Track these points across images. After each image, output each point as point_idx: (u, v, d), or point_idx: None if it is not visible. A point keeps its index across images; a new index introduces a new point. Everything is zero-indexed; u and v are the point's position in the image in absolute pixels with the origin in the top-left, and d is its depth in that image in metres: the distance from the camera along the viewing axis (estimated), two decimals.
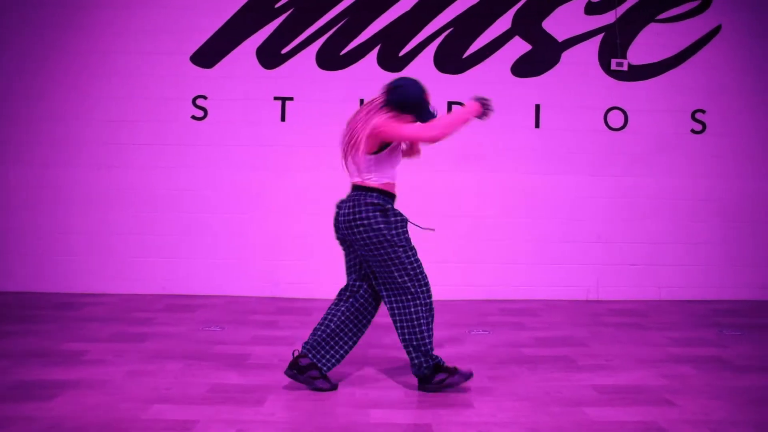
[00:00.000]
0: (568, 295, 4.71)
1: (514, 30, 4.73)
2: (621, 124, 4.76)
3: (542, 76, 4.74)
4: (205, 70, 4.66)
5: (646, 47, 4.76)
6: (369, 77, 4.68)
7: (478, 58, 4.74)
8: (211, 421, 2.17)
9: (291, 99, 4.69)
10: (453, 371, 2.51)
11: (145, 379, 2.63)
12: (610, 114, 4.75)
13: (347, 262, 2.70)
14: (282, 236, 4.68)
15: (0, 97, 4.60)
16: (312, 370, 2.51)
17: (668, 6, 4.79)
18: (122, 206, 4.62)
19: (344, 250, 2.69)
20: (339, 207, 2.64)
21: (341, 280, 4.83)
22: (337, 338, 2.56)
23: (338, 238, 2.67)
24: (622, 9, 4.75)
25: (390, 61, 4.71)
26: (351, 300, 2.63)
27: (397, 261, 2.45)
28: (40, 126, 4.61)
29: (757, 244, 4.81)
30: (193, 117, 4.65)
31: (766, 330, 3.80)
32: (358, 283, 2.65)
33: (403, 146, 2.69)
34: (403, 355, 3.07)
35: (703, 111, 4.77)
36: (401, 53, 4.73)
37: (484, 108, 2.55)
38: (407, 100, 2.53)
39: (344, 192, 4.86)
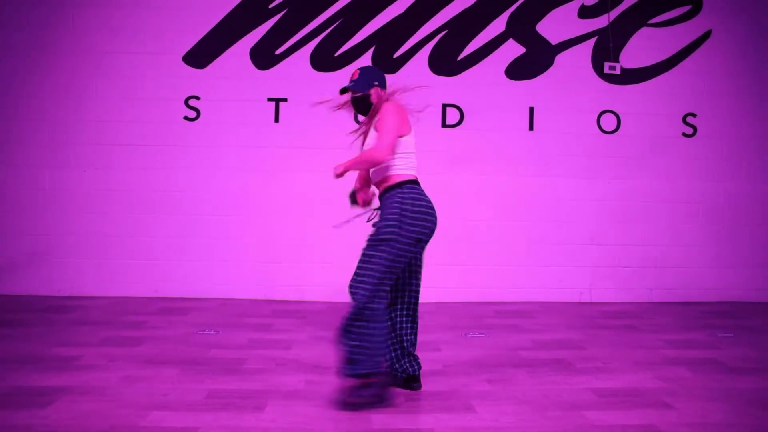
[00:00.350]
0: (561, 297, 4.73)
1: (509, 32, 4.75)
2: (614, 127, 4.79)
3: (536, 78, 4.76)
4: (198, 70, 4.61)
5: (638, 51, 4.80)
6: None
7: (472, 60, 4.74)
8: (212, 428, 2.15)
9: (285, 100, 4.66)
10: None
11: (141, 384, 2.59)
12: (603, 117, 4.79)
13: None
14: (276, 238, 4.65)
15: None
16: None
17: (660, 10, 4.84)
18: (112, 208, 4.56)
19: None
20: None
21: (335, 282, 4.82)
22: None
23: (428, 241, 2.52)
24: (614, 13, 4.79)
25: (385, 62, 4.69)
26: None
27: None
28: (28, 126, 4.53)
29: (746, 246, 4.87)
30: (186, 118, 4.60)
31: (757, 332, 3.85)
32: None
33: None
34: None
35: (694, 114, 4.83)
36: (396, 54, 4.72)
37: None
38: None
39: (338, 192, 4.84)
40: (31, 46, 4.53)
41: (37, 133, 4.53)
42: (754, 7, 4.88)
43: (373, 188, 2.73)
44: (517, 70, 4.76)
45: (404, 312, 2.61)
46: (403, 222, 2.37)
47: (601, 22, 4.78)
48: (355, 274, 2.50)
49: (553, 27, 4.76)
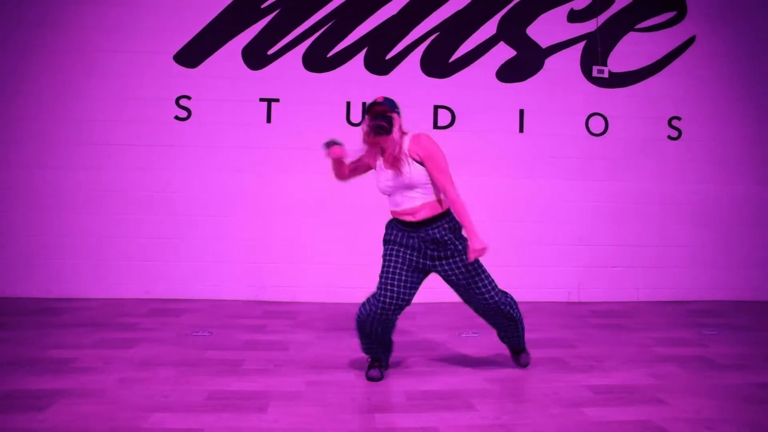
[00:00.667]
0: (551, 297, 4.80)
1: (500, 35, 4.81)
2: (602, 129, 4.88)
3: (526, 81, 4.82)
4: (189, 69, 4.58)
5: (625, 55, 4.90)
6: (356, 80, 4.69)
7: (464, 63, 4.79)
8: (215, 429, 2.14)
9: (277, 100, 4.65)
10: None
11: (139, 386, 2.57)
12: (592, 120, 4.87)
13: None
14: (268, 239, 4.63)
15: None
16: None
17: (646, 16, 4.94)
18: (104, 208, 4.50)
19: None
20: None
21: (327, 283, 4.84)
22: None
23: None
24: (603, 17, 4.88)
25: (377, 64, 4.72)
26: None
27: None
28: (16, 125, 4.45)
29: (728, 246, 5.00)
30: (177, 117, 4.57)
31: (741, 329, 3.95)
32: None
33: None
34: (398, 358, 3.09)
35: (679, 118, 4.94)
36: (388, 56, 4.74)
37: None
38: None
39: (332, 194, 4.87)
40: (16, 42, 4.45)
41: (31, 133, 4.46)
42: (736, 14, 5.01)
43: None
44: (508, 73, 4.81)
45: None
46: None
47: (590, 26, 4.87)
48: (482, 284, 2.79)
49: (543, 30, 4.83)
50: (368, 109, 2.70)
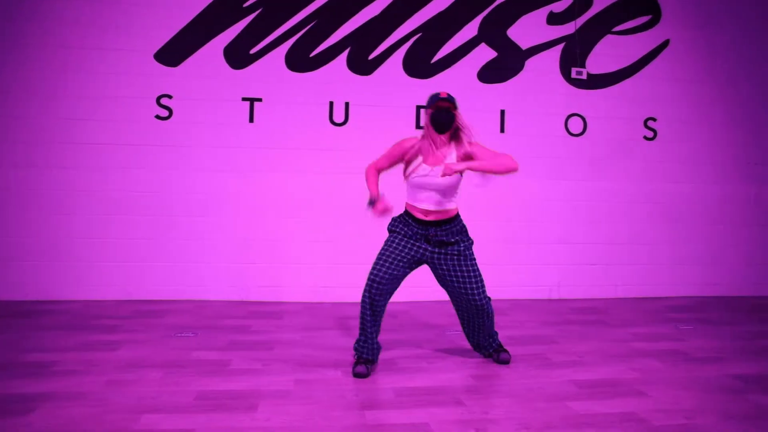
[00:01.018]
0: (532, 295, 4.88)
1: (481, 37, 4.87)
2: (580, 130, 4.98)
3: (507, 82, 4.89)
4: (170, 68, 4.52)
5: (603, 57, 5.00)
6: (339, 80, 4.70)
7: (446, 64, 4.84)
8: (208, 429, 2.14)
9: (260, 100, 4.63)
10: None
11: (126, 388, 2.55)
12: (571, 120, 4.97)
13: None
14: (250, 239, 4.61)
15: None
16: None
17: (622, 19, 5.06)
18: (82, 209, 4.42)
19: None
20: None
21: (311, 282, 4.83)
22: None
23: None
24: (581, 20, 4.98)
25: (360, 64, 4.73)
26: None
27: None
28: None
29: (701, 243, 5.15)
30: (158, 117, 4.51)
31: (714, 324, 4.08)
32: None
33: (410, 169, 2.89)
34: (385, 356, 3.11)
35: (654, 119, 5.07)
36: (371, 56, 4.76)
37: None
38: None
39: (315, 194, 4.87)
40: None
41: (7, 132, 4.34)
42: (708, 20, 5.17)
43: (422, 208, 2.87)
44: (489, 74, 4.88)
45: None
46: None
47: (569, 28, 4.96)
48: (476, 286, 2.88)
49: (523, 32, 4.90)
50: (432, 103, 2.80)
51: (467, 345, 3.39)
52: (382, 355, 3.11)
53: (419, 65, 4.80)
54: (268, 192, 4.63)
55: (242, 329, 3.70)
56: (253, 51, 4.63)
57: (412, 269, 2.92)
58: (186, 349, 3.20)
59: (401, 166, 2.92)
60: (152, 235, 4.50)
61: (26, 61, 4.37)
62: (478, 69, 4.87)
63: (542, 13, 4.95)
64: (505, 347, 3.13)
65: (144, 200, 4.49)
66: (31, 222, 4.37)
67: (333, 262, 4.62)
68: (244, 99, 4.61)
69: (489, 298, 3.01)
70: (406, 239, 2.84)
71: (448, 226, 2.84)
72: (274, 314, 4.17)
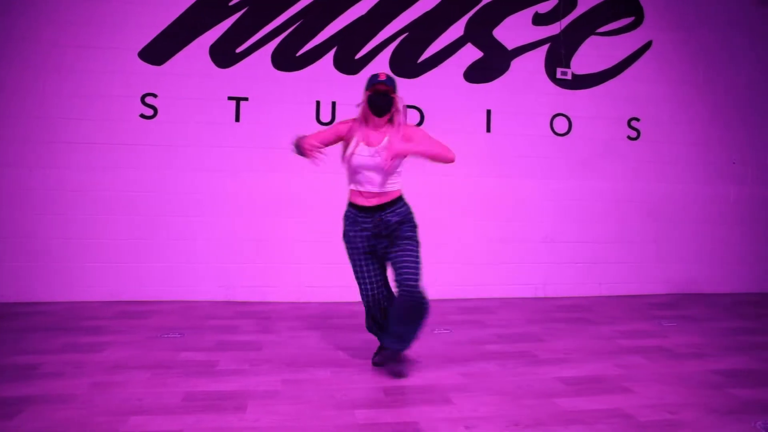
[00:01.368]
0: (519, 293, 4.93)
1: (467, 37, 4.89)
2: (565, 129, 5.03)
3: (493, 82, 4.93)
4: (155, 67, 4.48)
5: (587, 58, 5.06)
6: (325, 79, 4.70)
7: (432, 63, 4.86)
8: (196, 431, 2.12)
9: (246, 99, 4.60)
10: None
11: (113, 390, 2.52)
12: (556, 120, 5.02)
13: None
14: (236, 239, 4.59)
15: None
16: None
17: (606, 21, 5.12)
18: (65, 209, 4.36)
19: None
20: None
21: (298, 282, 4.82)
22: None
23: None
24: (566, 21, 5.03)
25: (346, 63, 4.73)
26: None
27: None
28: None
29: (682, 242, 5.24)
30: (142, 116, 4.47)
31: (696, 320, 4.15)
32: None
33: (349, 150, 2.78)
34: (370, 355, 3.11)
35: (638, 119, 5.14)
36: (357, 56, 4.76)
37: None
38: None
39: (302, 193, 4.85)
40: None
41: None
42: (690, 22, 5.26)
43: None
44: (475, 74, 4.91)
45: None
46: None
47: (554, 29, 5.01)
48: (411, 270, 2.71)
49: (509, 33, 4.94)
50: (370, 85, 2.71)
51: (456, 343, 3.42)
52: (370, 354, 3.11)
53: (406, 65, 4.82)
54: (255, 192, 4.61)
55: (230, 329, 3.68)
56: (239, 50, 4.60)
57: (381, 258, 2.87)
58: (173, 350, 3.18)
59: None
60: (138, 235, 4.45)
61: (5, 59, 4.30)
62: (464, 69, 4.90)
63: (528, 13, 4.99)
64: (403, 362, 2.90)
65: (129, 200, 4.44)
66: (14, 222, 4.30)
67: (320, 262, 4.62)
68: (230, 98, 4.58)
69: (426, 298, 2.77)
70: (360, 242, 2.77)
71: (392, 208, 2.75)
72: (262, 314, 4.15)
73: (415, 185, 4.76)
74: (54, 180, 4.35)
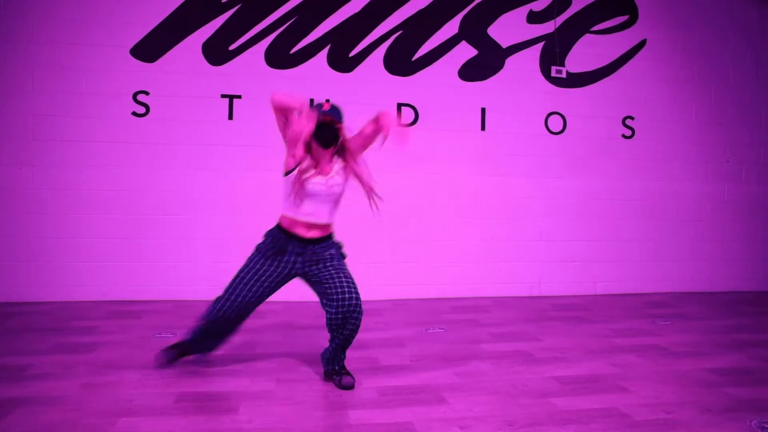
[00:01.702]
0: (513, 292, 4.91)
1: (462, 35, 4.87)
2: (560, 128, 5.02)
3: (488, 80, 4.91)
4: (147, 64, 4.44)
5: (582, 56, 5.05)
6: (319, 77, 4.67)
7: (427, 61, 4.83)
8: None
9: (239, 97, 4.57)
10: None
11: (103, 391, 2.48)
12: (551, 118, 5.00)
13: None
14: (229, 238, 4.54)
15: None
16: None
17: (600, 19, 5.12)
18: (54, 207, 4.31)
19: None
20: None
21: (292, 282, 4.77)
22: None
23: None
24: (560, 19, 5.02)
25: (341, 61, 4.70)
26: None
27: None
28: None
29: (678, 241, 5.24)
30: (134, 113, 4.42)
31: (690, 319, 4.15)
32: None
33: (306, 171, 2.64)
34: (367, 355, 3.10)
35: (632, 117, 5.14)
36: (352, 54, 4.73)
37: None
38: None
39: None
40: None
41: None
42: (684, 21, 5.26)
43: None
44: (470, 72, 4.89)
45: None
46: None
47: (548, 27, 5.00)
48: (354, 288, 2.61)
49: (503, 31, 4.92)
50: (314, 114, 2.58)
51: (450, 342, 3.40)
52: (365, 354, 3.09)
53: (400, 63, 4.79)
54: (248, 190, 4.57)
55: None
56: (232, 47, 4.56)
57: (280, 287, 2.76)
58: None
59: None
60: (129, 234, 4.41)
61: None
62: (458, 67, 4.87)
63: (522, 11, 4.97)
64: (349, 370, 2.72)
65: (121, 199, 4.40)
66: (7, 221, 4.25)
67: None
68: (223, 96, 4.55)
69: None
70: (273, 257, 2.67)
71: (325, 243, 2.68)
72: (256, 314, 4.04)
73: (410, 184, 4.77)
74: (46, 178, 4.30)
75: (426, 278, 4.79)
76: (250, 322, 3.82)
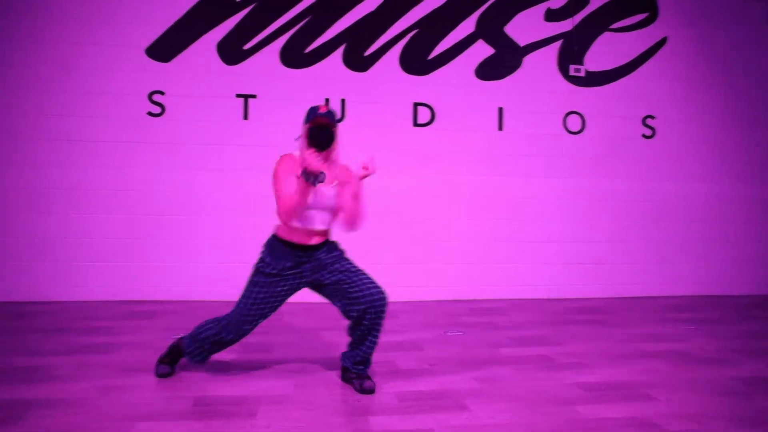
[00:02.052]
0: (529, 294, 4.84)
1: (478, 33, 4.81)
2: (579, 128, 4.94)
3: (505, 79, 4.84)
4: (163, 64, 4.42)
5: (601, 55, 4.97)
6: (334, 76, 4.63)
7: (443, 60, 4.77)
8: None
9: (254, 97, 4.54)
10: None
11: (121, 394, 2.45)
12: (569, 118, 4.93)
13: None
14: (244, 238, 4.51)
15: None
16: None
17: (620, 17, 5.03)
18: (70, 208, 4.30)
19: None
20: None
21: None
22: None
23: None
24: (578, 17, 4.94)
25: (356, 60, 4.66)
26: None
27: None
28: None
29: (696, 243, 5.14)
30: (150, 113, 4.40)
31: (714, 323, 4.06)
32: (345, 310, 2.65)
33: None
34: (386, 359, 3.05)
35: (653, 117, 5.05)
36: (367, 53, 4.68)
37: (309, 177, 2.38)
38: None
39: None
40: None
41: None
42: (705, 18, 5.16)
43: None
44: (487, 71, 4.82)
45: None
46: None
47: (566, 25, 4.92)
48: (375, 282, 2.59)
49: (520, 29, 4.85)
50: (310, 118, 2.53)
51: (470, 346, 3.34)
52: (383, 357, 3.04)
53: (416, 62, 4.74)
54: (264, 190, 4.52)
55: None
56: (246, 47, 4.53)
57: (289, 297, 2.70)
58: None
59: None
60: (144, 234, 4.40)
61: (10, 55, 4.24)
62: (475, 66, 4.81)
63: (539, 9, 4.90)
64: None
65: (137, 199, 4.39)
66: (18, 222, 4.25)
67: None
68: (238, 95, 4.52)
69: None
70: (279, 273, 2.60)
71: (327, 247, 2.62)
72: (272, 315, 4.07)
73: (424, 184, 4.71)
74: (59, 179, 4.29)
75: (442, 280, 4.73)
76: (267, 323, 3.79)
